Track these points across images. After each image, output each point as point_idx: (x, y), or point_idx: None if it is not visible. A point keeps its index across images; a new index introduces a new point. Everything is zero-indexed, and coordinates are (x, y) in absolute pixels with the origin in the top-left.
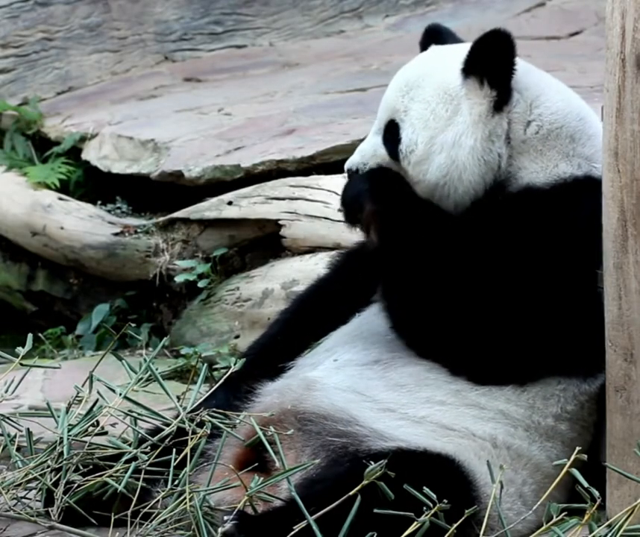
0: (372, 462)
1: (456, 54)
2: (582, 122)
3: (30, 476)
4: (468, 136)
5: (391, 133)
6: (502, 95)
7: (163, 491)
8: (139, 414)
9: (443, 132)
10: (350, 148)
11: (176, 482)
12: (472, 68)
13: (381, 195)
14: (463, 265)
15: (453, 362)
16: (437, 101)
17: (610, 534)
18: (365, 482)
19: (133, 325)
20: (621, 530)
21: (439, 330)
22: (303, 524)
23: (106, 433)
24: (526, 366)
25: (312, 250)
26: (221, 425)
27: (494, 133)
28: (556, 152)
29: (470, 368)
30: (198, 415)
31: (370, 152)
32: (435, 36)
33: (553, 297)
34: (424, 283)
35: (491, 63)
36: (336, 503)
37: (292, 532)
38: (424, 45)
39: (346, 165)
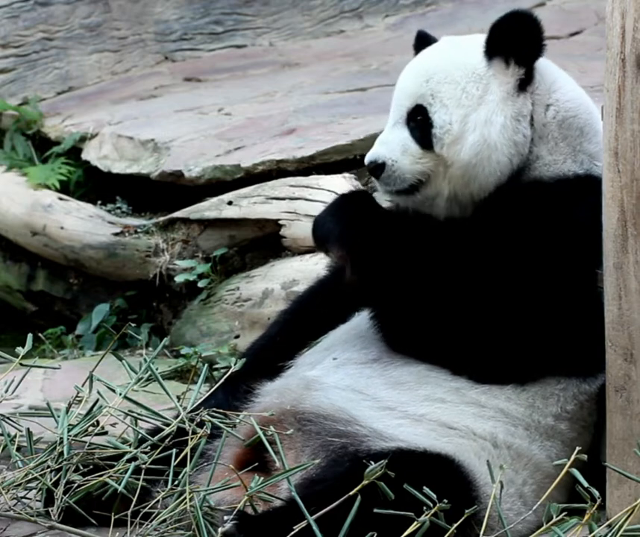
0: (372, 462)
1: (471, 40)
2: (591, 116)
3: (30, 476)
4: (498, 114)
5: (418, 120)
6: (528, 74)
7: (163, 491)
8: (139, 414)
9: (476, 110)
10: (350, 148)
11: (176, 482)
12: (497, 48)
13: (350, 237)
14: (455, 270)
15: (453, 364)
16: (467, 80)
17: (610, 534)
18: (365, 482)
19: (133, 325)
20: (621, 530)
21: (437, 337)
22: (303, 524)
23: (106, 433)
24: (526, 365)
25: (312, 250)
26: (221, 425)
27: (520, 113)
28: (566, 144)
29: (470, 368)
30: (198, 415)
31: (399, 148)
32: (427, 41)
33: (553, 296)
34: (413, 301)
35: (519, 41)
36: (336, 503)
37: (292, 532)
38: (417, 49)
39: (370, 157)
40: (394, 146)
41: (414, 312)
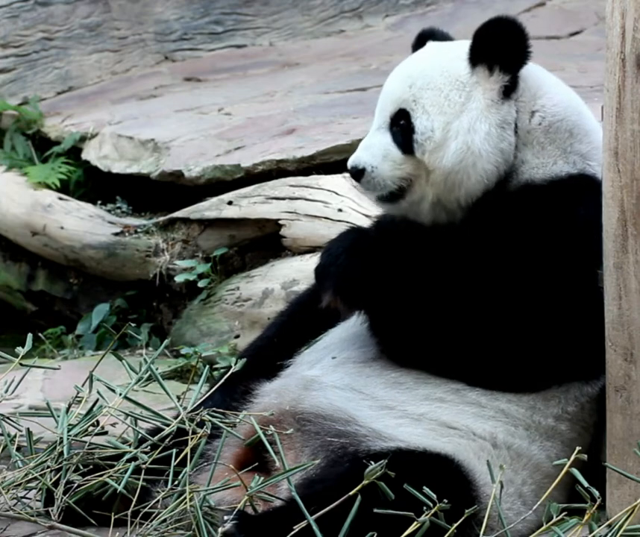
0: (372, 462)
1: (456, 47)
2: (581, 117)
3: (30, 476)
4: (482, 122)
5: (401, 125)
6: (512, 81)
7: (163, 491)
8: (139, 414)
9: (458, 118)
10: (349, 148)
11: (176, 482)
12: (481, 54)
13: (348, 282)
14: (449, 282)
15: (455, 375)
16: (450, 87)
17: (610, 534)
18: (365, 482)
19: (133, 325)
20: (621, 530)
21: (437, 351)
22: (303, 524)
23: (106, 433)
24: (526, 376)
25: (312, 249)
26: (221, 425)
27: (505, 121)
28: (555, 147)
29: (470, 380)
30: (197, 414)
31: (380, 153)
32: (429, 39)
33: (553, 300)
34: (410, 319)
35: (504, 48)
36: (336, 503)
37: (292, 532)
38: (415, 48)
39: (351, 162)
40: (375, 151)
41: (412, 328)
